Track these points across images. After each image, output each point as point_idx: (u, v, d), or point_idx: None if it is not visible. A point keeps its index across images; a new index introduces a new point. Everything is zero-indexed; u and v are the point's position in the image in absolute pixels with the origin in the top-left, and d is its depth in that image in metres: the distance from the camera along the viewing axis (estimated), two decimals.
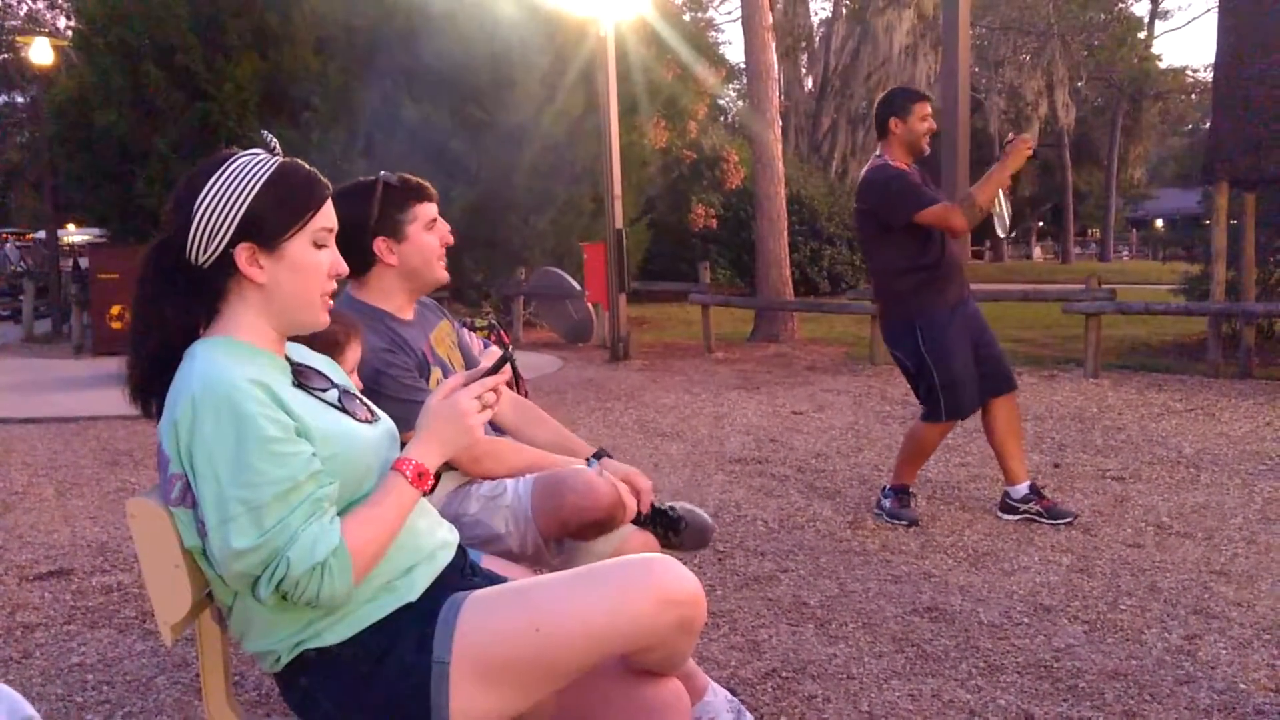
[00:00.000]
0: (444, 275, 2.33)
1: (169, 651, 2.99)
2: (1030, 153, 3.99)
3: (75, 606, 3.44)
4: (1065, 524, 4.08)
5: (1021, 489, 4.19)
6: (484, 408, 1.59)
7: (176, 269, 1.51)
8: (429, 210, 2.28)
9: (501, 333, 2.83)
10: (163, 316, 1.52)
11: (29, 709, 1.05)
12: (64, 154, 14.33)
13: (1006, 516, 4.20)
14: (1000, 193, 4.09)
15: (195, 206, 1.49)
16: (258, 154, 1.54)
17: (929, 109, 4.10)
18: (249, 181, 1.50)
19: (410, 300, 2.36)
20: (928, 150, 4.12)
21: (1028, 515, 4.15)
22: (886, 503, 4.28)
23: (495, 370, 1.62)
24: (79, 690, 2.77)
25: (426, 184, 2.31)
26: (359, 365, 2.05)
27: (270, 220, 1.50)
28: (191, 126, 12.46)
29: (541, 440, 2.37)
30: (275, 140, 1.57)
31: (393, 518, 1.51)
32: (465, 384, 1.60)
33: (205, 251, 1.50)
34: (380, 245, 2.23)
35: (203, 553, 1.48)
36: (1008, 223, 4.21)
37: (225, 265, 1.51)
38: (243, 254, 1.50)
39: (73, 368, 11.07)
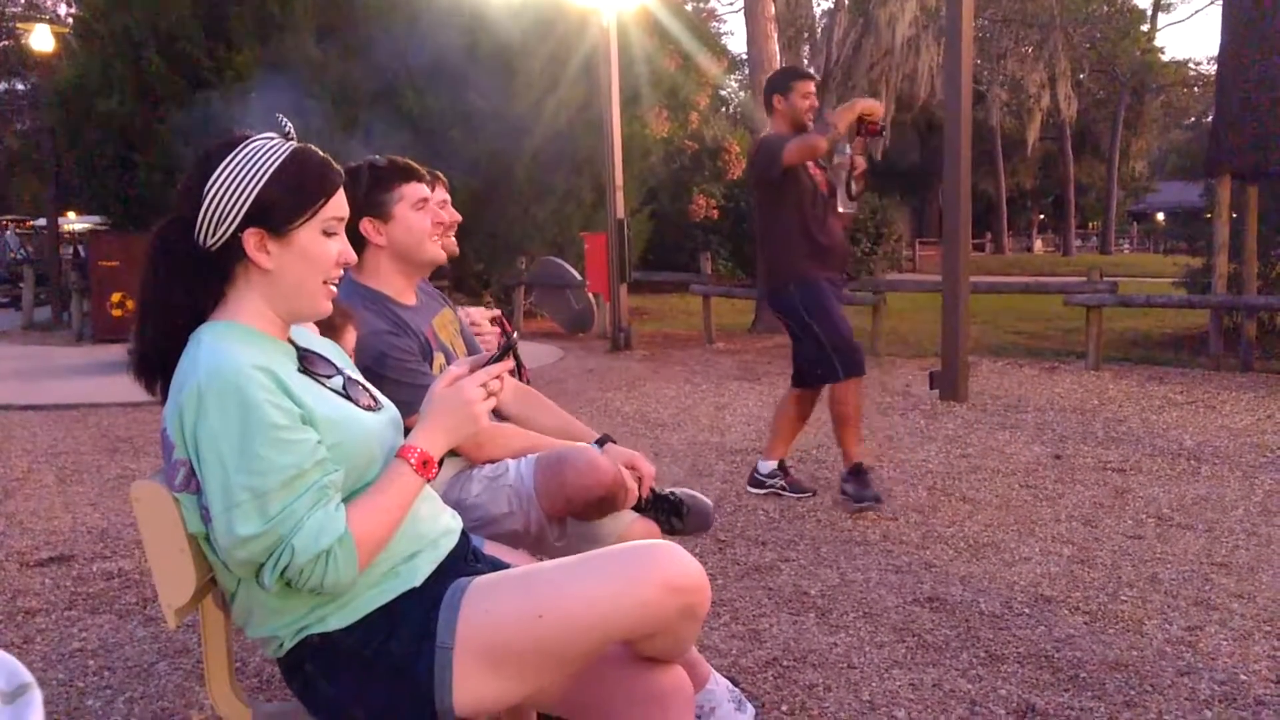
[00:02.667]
0: (438, 253, 2.32)
1: (170, 637, 2.99)
2: (875, 117, 4.22)
3: (76, 592, 3.44)
4: (808, 497, 4.41)
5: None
6: (488, 395, 1.58)
7: (184, 250, 1.50)
8: (417, 190, 2.28)
9: (504, 321, 2.82)
10: (168, 297, 1.50)
11: (27, 675, 1.04)
12: (65, 141, 14.30)
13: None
14: (850, 170, 4.35)
15: (206, 188, 1.47)
16: (272, 138, 1.51)
17: (811, 87, 4.41)
18: (262, 166, 1.47)
19: (410, 283, 2.35)
20: (811, 126, 4.33)
21: (775, 489, 4.50)
22: (848, 488, 4.31)
23: (499, 358, 1.61)
24: (80, 675, 2.77)
25: (415, 165, 2.31)
26: (359, 350, 2.04)
27: (281, 207, 1.48)
28: (192, 114, 12.43)
29: (546, 427, 2.37)
30: (290, 125, 1.54)
31: (397, 505, 1.51)
32: (469, 371, 1.60)
33: (214, 234, 1.48)
34: (366, 226, 2.24)
35: (206, 538, 1.48)
36: (852, 191, 4.42)
37: (233, 249, 1.49)
38: (251, 239, 1.48)
39: (73, 355, 11.07)
